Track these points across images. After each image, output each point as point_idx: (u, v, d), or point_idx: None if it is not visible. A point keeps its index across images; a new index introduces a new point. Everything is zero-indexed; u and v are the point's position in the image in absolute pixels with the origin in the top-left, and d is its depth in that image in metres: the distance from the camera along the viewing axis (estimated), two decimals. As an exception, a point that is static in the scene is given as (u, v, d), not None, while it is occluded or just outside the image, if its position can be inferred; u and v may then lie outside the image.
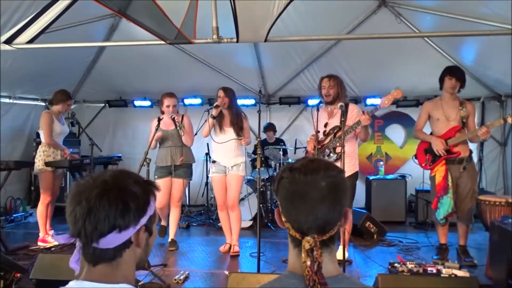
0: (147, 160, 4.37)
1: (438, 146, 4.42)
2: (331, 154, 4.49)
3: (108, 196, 1.13)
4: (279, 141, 7.31)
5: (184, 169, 5.11)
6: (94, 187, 1.14)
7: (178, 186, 5.06)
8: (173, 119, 4.92)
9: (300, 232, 1.16)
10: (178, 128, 4.94)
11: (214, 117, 4.84)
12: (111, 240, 1.13)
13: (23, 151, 6.89)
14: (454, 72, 4.47)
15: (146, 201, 1.20)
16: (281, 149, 6.87)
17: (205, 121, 6.35)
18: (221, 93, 4.92)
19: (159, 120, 4.83)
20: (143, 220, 1.19)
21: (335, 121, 4.54)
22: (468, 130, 4.45)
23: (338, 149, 4.43)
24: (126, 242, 1.16)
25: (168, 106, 5.02)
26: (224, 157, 4.96)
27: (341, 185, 1.19)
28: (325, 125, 4.57)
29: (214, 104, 4.87)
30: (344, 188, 1.20)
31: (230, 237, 5.07)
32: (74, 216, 1.13)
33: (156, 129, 4.81)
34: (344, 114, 3.99)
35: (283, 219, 1.21)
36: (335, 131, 4.50)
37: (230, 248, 5.00)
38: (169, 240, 5.14)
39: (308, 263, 1.10)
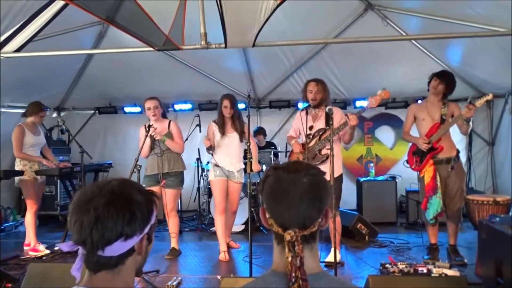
0: (138, 166, 4.36)
1: (421, 143, 4.52)
2: (319, 156, 4.53)
3: (116, 205, 1.15)
4: (269, 145, 7.33)
5: (172, 178, 4.96)
6: (101, 196, 1.16)
7: (170, 197, 4.91)
8: (151, 136, 4.71)
9: (282, 227, 1.22)
10: (162, 141, 4.84)
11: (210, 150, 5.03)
12: (116, 248, 1.16)
13: (12, 160, 6.80)
14: (440, 75, 4.59)
15: (150, 210, 1.23)
16: (272, 153, 6.89)
17: (196, 125, 6.38)
18: (227, 104, 4.97)
19: (149, 126, 4.67)
20: (147, 229, 1.22)
21: (319, 124, 4.59)
22: (459, 128, 4.53)
23: (323, 151, 4.48)
24: (129, 250, 1.19)
25: (149, 109, 4.91)
26: (229, 162, 5.02)
27: (321, 184, 1.26)
28: (310, 128, 4.59)
29: (206, 146, 4.98)
30: (325, 188, 1.27)
31: (225, 244, 5.03)
32: (80, 224, 1.14)
33: (146, 136, 4.65)
34: (331, 117, 4.02)
35: (267, 216, 1.27)
36: (320, 133, 4.55)
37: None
38: (171, 246, 5.10)
39: (290, 258, 1.15)
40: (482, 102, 4.23)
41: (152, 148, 4.93)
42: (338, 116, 4.49)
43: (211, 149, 5.00)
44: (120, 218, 1.14)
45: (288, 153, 7.05)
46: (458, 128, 4.51)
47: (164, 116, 5.13)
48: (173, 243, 5.11)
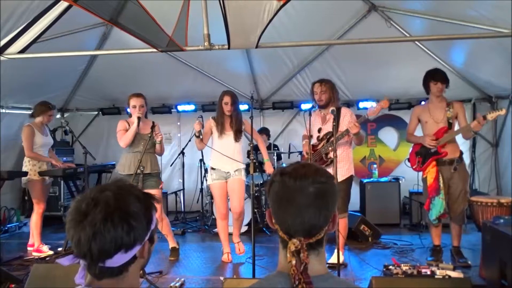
0: (141, 168, 4.34)
1: (428, 141, 4.48)
2: (324, 159, 4.52)
3: (112, 219, 1.12)
4: (272, 146, 7.31)
5: (154, 179, 4.79)
6: (97, 211, 1.13)
7: None
8: (152, 135, 4.54)
9: (287, 235, 1.20)
10: (157, 142, 4.72)
11: (198, 136, 4.70)
12: (117, 260, 1.15)
13: (15, 161, 6.85)
14: (437, 76, 4.53)
15: (149, 217, 1.21)
16: (275, 154, 6.88)
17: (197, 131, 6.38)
18: (228, 100, 4.77)
19: (153, 127, 4.60)
20: (147, 237, 1.20)
21: (328, 127, 4.53)
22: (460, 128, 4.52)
23: (331, 154, 4.46)
24: (131, 258, 1.17)
25: (134, 107, 4.70)
26: (225, 163, 4.80)
27: (329, 191, 1.22)
28: (319, 130, 4.59)
29: (196, 130, 4.66)
30: (332, 195, 1.23)
31: (228, 246, 4.96)
32: (78, 239, 1.13)
33: (149, 138, 4.49)
34: (335, 118, 4.01)
35: (273, 221, 1.26)
36: (328, 136, 4.52)
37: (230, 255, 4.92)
38: (170, 247, 5.03)
39: (294, 262, 1.14)
40: (494, 116, 4.18)
41: (131, 145, 4.72)
42: (347, 117, 4.46)
43: (200, 134, 4.68)
44: (118, 231, 1.12)
45: (291, 154, 7.11)
46: (462, 134, 4.49)
47: (145, 116, 4.93)
48: (172, 243, 5.04)
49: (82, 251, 1.13)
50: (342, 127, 4.38)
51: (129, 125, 4.78)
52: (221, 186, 4.87)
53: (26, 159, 5.27)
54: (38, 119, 5.38)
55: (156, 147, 4.83)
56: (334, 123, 3.96)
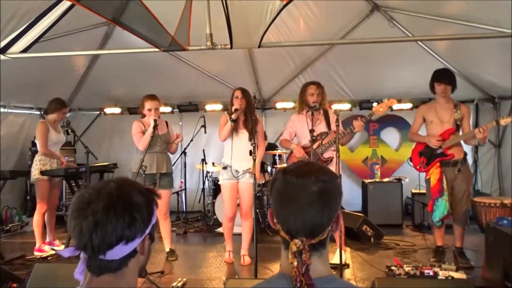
0: (143, 167, 4.35)
1: (433, 142, 4.46)
2: (322, 160, 4.52)
3: (115, 209, 1.13)
4: (273, 146, 7.29)
5: (168, 179, 4.83)
6: (99, 200, 1.13)
7: (165, 198, 4.62)
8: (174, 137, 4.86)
9: (289, 234, 1.17)
10: (175, 143, 4.90)
11: (233, 121, 4.56)
12: (118, 252, 1.14)
13: (17, 160, 6.86)
14: (441, 78, 4.52)
15: (151, 211, 1.21)
16: (278, 154, 6.88)
17: (201, 126, 6.40)
18: (238, 94, 4.64)
19: (153, 124, 4.60)
20: (148, 230, 1.20)
21: (320, 128, 4.59)
22: (463, 132, 4.50)
23: (326, 155, 4.47)
24: (131, 252, 1.17)
25: (149, 110, 4.70)
26: (237, 161, 4.67)
27: (332, 191, 1.19)
28: (311, 131, 4.50)
29: (234, 108, 4.57)
30: (336, 194, 1.21)
31: (230, 245, 4.89)
32: (79, 229, 1.13)
33: (155, 128, 4.57)
34: (338, 118, 4.01)
35: (275, 220, 1.23)
36: (323, 137, 4.53)
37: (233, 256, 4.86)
38: (167, 250, 4.98)
39: (295, 263, 1.11)
40: (508, 121, 4.19)
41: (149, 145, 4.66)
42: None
43: (235, 112, 4.56)
44: (120, 222, 1.12)
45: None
46: (464, 140, 4.49)
47: None
48: (169, 245, 4.99)
49: (83, 241, 1.13)
50: (334, 127, 4.32)
51: (144, 126, 4.80)
52: (232, 186, 4.75)
53: (36, 158, 5.22)
54: (52, 116, 5.34)
55: (172, 147, 4.96)
56: (337, 124, 3.97)
